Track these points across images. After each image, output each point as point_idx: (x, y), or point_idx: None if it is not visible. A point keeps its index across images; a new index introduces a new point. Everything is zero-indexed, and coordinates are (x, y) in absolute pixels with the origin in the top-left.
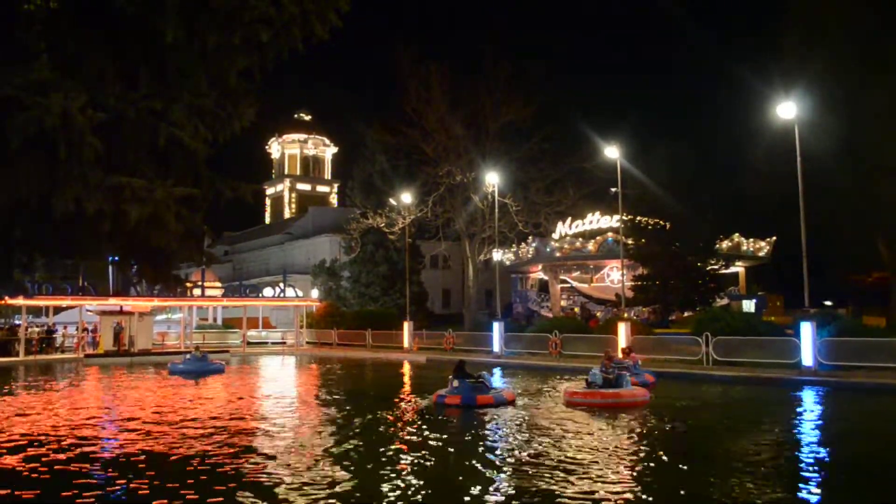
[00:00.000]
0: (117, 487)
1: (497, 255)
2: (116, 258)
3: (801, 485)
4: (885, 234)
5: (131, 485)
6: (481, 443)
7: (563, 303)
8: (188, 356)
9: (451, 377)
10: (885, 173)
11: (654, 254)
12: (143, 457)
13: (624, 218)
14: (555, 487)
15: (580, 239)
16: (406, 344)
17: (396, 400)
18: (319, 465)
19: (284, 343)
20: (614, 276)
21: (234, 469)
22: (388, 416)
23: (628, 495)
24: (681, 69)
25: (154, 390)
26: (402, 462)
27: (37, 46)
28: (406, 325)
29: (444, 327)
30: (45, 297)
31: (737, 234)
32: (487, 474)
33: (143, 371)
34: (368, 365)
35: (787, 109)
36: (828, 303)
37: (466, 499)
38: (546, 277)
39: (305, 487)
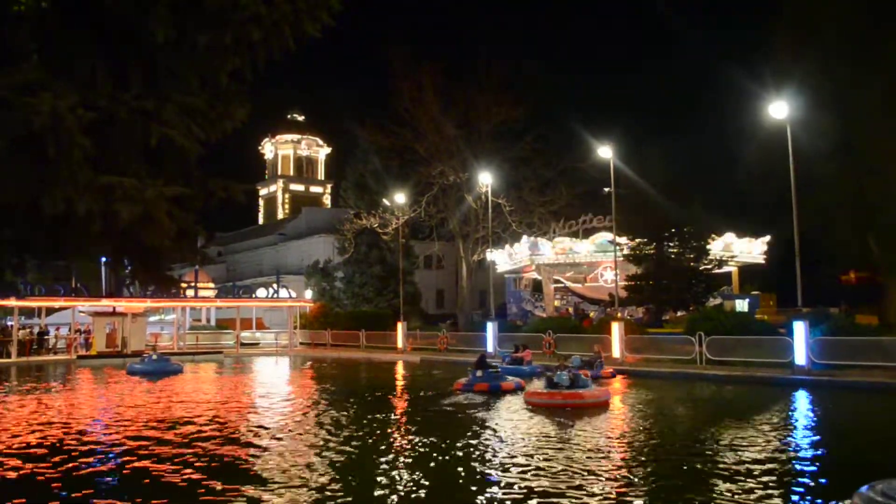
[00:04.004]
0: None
1: (491, 255)
2: (108, 259)
3: (788, 484)
4: (877, 234)
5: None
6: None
7: (556, 303)
8: (151, 356)
9: (472, 368)
10: (878, 172)
11: (648, 254)
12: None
13: (617, 218)
14: (536, 488)
15: (573, 238)
16: (400, 344)
17: (396, 399)
18: (314, 466)
19: (277, 344)
20: (608, 276)
21: (233, 468)
22: (386, 416)
23: (612, 497)
24: (673, 69)
25: (142, 392)
26: (401, 460)
27: (27, 46)
28: (400, 326)
29: (438, 328)
30: (37, 299)
31: (730, 234)
32: (484, 474)
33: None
34: (363, 365)
35: (779, 109)
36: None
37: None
38: (540, 277)
39: (302, 488)
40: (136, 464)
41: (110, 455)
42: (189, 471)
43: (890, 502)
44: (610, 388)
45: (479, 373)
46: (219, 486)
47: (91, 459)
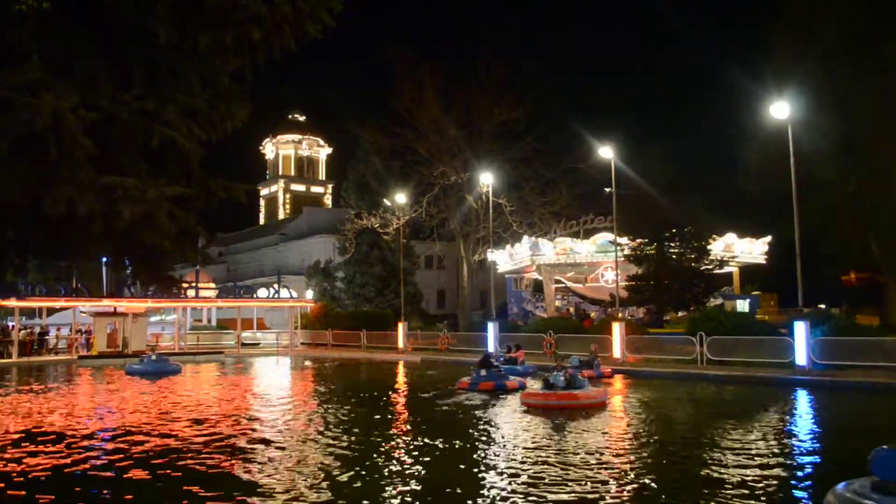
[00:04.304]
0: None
1: (492, 255)
2: (109, 259)
3: (788, 485)
4: (878, 234)
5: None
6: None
7: (557, 303)
8: (150, 356)
9: (476, 367)
10: (878, 173)
11: (649, 254)
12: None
13: (618, 218)
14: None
15: (574, 239)
16: (401, 345)
17: (396, 400)
18: (312, 467)
19: (279, 344)
20: (609, 277)
21: (230, 468)
22: (386, 417)
23: (609, 498)
24: (673, 69)
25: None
26: (400, 462)
27: (28, 47)
28: (401, 326)
29: (435, 327)
30: (37, 299)
31: (731, 234)
32: (484, 474)
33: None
34: (364, 366)
35: (780, 109)
36: (821, 306)
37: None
38: (540, 277)
39: (298, 489)
40: (125, 464)
41: (101, 457)
42: (184, 472)
43: (862, 499)
44: (611, 388)
45: (483, 372)
46: (215, 487)
47: (79, 457)
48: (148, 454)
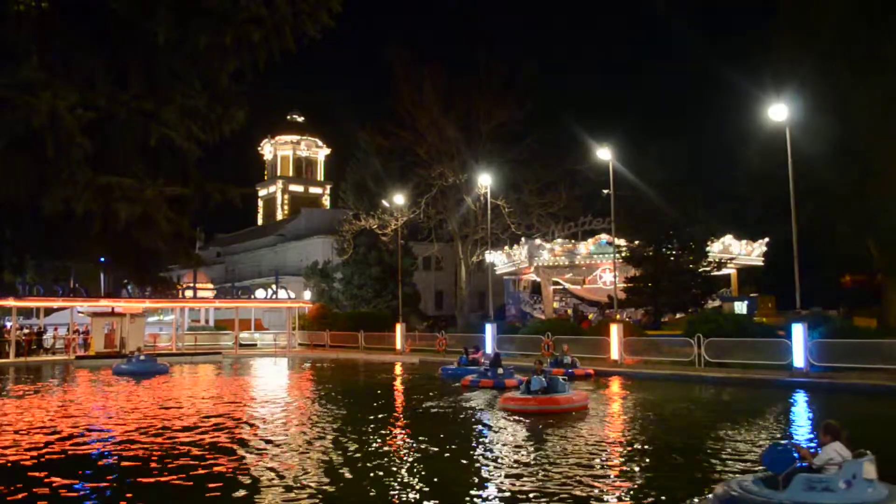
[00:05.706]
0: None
1: (490, 257)
2: (107, 259)
3: None
4: (877, 236)
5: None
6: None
7: (555, 304)
8: (138, 356)
9: (489, 367)
10: (878, 175)
11: (647, 256)
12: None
13: (616, 219)
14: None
15: (572, 240)
16: (398, 346)
17: (393, 401)
18: (305, 468)
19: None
20: (607, 278)
21: (224, 469)
22: (382, 419)
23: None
24: (672, 71)
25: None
26: (393, 464)
27: (27, 46)
28: (398, 327)
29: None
30: (35, 299)
31: (729, 236)
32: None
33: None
34: (361, 367)
35: (778, 111)
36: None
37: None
38: (539, 279)
39: (291, 491)
40: (117, 464)
41: (86, 456)
42: (174, 473)
43: (745, 492)
44: (608, 389)
45: (499, 370)
46: (206, 488)
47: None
48: (138, 455)
